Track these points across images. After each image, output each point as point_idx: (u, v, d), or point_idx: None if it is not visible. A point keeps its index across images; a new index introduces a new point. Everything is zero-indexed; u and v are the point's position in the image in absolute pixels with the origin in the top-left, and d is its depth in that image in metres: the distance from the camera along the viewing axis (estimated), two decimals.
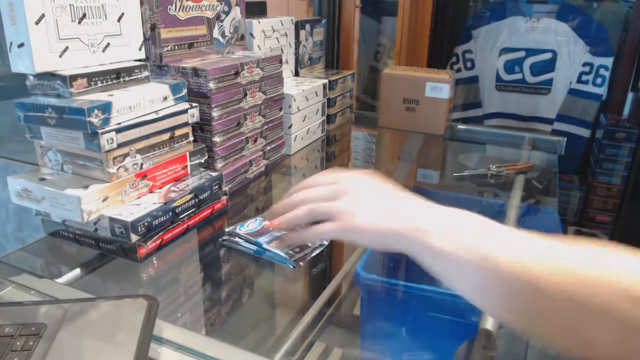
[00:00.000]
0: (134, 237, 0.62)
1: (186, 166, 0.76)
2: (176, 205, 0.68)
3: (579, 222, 1.82)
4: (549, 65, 1.86)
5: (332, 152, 1.17)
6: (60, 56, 0.61)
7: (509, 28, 1.89)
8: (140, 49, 0.73)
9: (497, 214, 0.87)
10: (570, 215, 1.84)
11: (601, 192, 1.74)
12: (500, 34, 1.90)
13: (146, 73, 0.71)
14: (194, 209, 0.72)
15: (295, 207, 0.50)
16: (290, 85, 1.09)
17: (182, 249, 0.70)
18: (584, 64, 1.80)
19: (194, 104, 0.75)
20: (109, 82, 0.66)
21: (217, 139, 0.81)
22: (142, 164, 0.67)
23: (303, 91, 1.07)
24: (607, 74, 1.76)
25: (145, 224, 0.63)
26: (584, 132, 1.83)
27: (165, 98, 0.71)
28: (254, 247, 0.65)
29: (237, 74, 0.83)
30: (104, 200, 0.62)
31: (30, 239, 0.70)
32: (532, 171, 1.03)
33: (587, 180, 1.82)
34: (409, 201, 0.44)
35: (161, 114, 0.69)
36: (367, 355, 0.68)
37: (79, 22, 0.63)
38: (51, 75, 0.61)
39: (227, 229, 0.70)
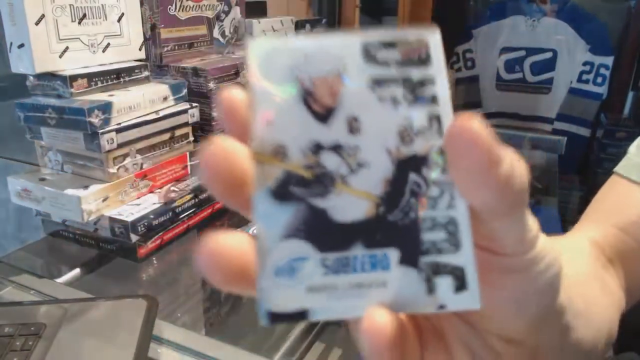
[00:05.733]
0: (134, 237, 0.62)
1: (186, 166, 0.76)
2: (176, 205, 0.68)
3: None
4: (550, 65, 1.86)
5: None
6: (60, 56, 0.61)
7: (509, 27, 1.89)
8: (140, 49, 0.73)
9: None
10: (570, 215, 1.84)
11: None
12: (500, 33, 1.90)
13: (146, 73, 0.71)
14: (194, 209, 0.72)
15: None
16: None
17: (182, 249, 0.70)
18: (584, 63, 1.80)
19: (194, 104, 0.75)
20: (109, 82, 0.66)
21: None
22: (142, 164, 0.67)
23: None
24: (607, 73, 1.76)
25: (145, 224, 0.63)
26: (584, 132, 1.83)
27: (165, 98, 0.71)
28: None
29: (237, 74, 0.83)
30: (104, 200, 0.62)
31: (30, 239, 0.70)
32: (532, 171, 1.03)
33: (587, 180, 1.81)
34: None
35: (161, 114, 0.69)
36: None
37: (79, 23, 0.63)
38: (51, 76, 0.61)
39: None
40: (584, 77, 1.80)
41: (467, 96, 1.99)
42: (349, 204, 0.17)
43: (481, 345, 0.21)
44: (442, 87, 0.17)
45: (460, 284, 0.16)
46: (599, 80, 1.77)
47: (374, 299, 0.16)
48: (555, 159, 1.14)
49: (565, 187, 1.83)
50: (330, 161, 0.17)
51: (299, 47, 0.17)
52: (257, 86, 0.17)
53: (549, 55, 1.85)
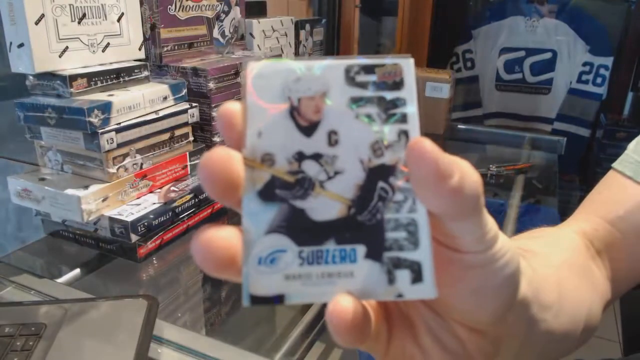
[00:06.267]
0: (134, 237, 0.62)
1: (186, 166, 0.76)
2: (176, 205, 0.68)
3: None
4: (549, 65, 1.86)
5: None
6: (60, 56, 0.61)
7: (509, 28, 1.89)
8: (140, 49, 0.73)
9: (497, 214, 0.87)
10: (570, 215, 1.84)
11: None
12: (500, 33, 1.90)
13: (146, 73, 0.71)
14: (193, 209, 0.72)
15: None
16: None
17: (182, 249, 0.70)
18: (584, 64, 1.80)
19: (193, 104, 0.75)
20: (109, 82, 0.66)
21: (217, 139, 0.81)
22: (142, 164, 0.67)
23: None
24: (607, 73, 1.76)
25: (145, 224, 0.63)
26: (584, 132, 1.83)
27: (165, 98, 0.71)
28: None
29: (237, 74, 0.83)
30: (103, 200, 0.62)
31: (30, 239, 0.70)
32: (532, 171, 1.03)
33: (587, 180, 1.82)
34: None
35: (161, 114, 0.69)
36: (366, 355, 0.68)
37: (79, 22, 0.63)
38: (51, 75, 0.61)
39: None
40: (584, 77, 1.80)
41: (467, 96, 1.99)
42: (325, 205, 0.19)
43: (446, 332, 0.23)
44: (412, 108, 0.19)
45: (417, 277, 0.19)
46: (599, 80, 1.78)
47: (342, 287, 0.19)
48: (555, 159, 1.14)
49: (565, 187, 1.83)
50: (310, 168, 0.19)
51: (291, 69, 0.19)
52: (252, 102, 0.19)
53: (548, 55, 1.85)
